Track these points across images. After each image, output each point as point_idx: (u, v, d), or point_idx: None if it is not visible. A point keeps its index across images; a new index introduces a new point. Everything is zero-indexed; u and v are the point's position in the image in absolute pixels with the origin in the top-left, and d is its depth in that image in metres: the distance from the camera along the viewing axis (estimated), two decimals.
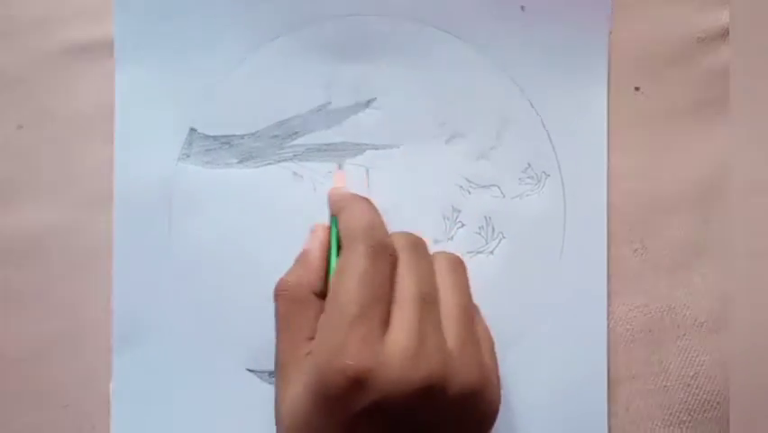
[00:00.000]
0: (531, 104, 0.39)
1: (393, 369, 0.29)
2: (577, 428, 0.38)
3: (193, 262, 0.39)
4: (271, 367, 0.38)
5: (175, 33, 0.39)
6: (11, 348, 0.38)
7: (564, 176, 0.39)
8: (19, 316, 0.38)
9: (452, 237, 0.39)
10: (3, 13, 0.39)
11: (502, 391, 0.33)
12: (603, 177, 0.40)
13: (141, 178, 0.39)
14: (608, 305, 0.39)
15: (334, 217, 0.36)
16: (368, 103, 0.39)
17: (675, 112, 0.40)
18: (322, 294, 0.33)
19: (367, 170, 0.39)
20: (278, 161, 0.39)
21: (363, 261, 0.31)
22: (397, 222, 0.38)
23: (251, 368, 0.39)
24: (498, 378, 0.33)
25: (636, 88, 0.40)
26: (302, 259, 0.35)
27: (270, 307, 0.38)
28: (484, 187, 0.39)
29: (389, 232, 0.34)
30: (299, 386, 0.30)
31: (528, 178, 0.39)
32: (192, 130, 0.39)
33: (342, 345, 0.29)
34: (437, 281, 0.33)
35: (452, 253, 0.34)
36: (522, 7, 0.39)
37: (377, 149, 0.39)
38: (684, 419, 0.39)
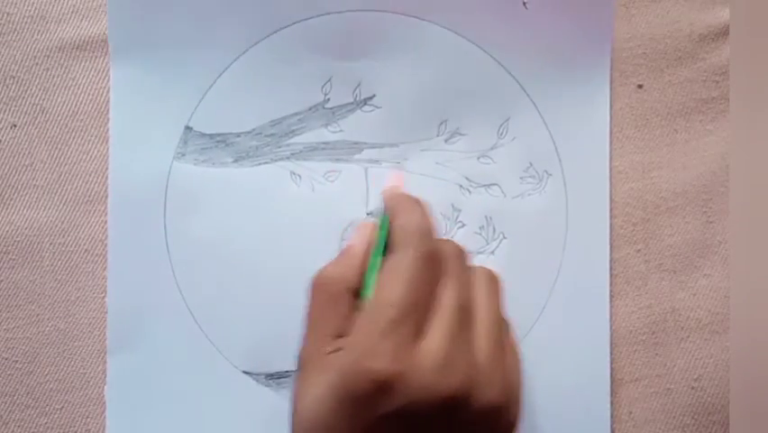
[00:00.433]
0: (533, 102, 0.39)
1: (421, 377, 0.29)
2: (580, 431, 0.38)
3: (188, 262, 0.38)
4: (267, 369, 0.38)
5: (170, 31, 0.38)
6: (4, 349, 0.38)
7: (566, 175, 0.39)
8: (12, 316, 0.38)
9: (452, 237, 0.39)
10: None
11: None
12: (605, 176, 0.39)
13: (136, 177, 0.38)
14: (611, 306, 0.39)
15: (385, 217, 0.35)
16: (366, 101, 0.39)
17: (679, 110, 0.40)
18: (356, 292, 0.33)
19: (365, 170, 0.39)
20: (275, 160, 0.39)
21: (413, 267, 0.31)
22: None
23: (247, 370, 0.38)
24: (521, 396, 0.33)
25: (639, 86, 0.40)
26: (345, 254, 0.34)
27: (268, 307, 0.38)
28: (485, 186, 0.39)
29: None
30: (323, 384, 0.30)
31: (530, 177, 0.39)
32: (187, 128, 0.39)
33: (375, 348, 0.29)
34: (473, 295, 0.32)
35: (490, 269, 0.34)
36: (524, 4, 0.39)
37: (375, 147, 0.39)
38: (688, 422, 0.39)
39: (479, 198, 0.39)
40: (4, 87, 0.39)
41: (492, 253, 0.39)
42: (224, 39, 0.38)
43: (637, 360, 0.39)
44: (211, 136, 0.39)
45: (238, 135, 0.39)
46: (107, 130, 0.39)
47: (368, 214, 0.39)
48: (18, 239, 0.39)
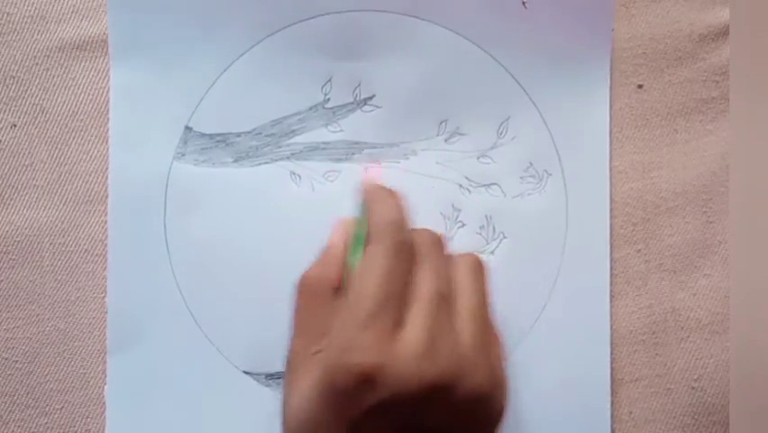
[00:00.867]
0: (533, 102, 0.39)
1: (403, 367, 0.28)
2: (580, 431, 0.38)
3: (188, 262, 0.38)
4: (268, 369, 0.38)
5: (170, 31, 0.38)
6: (4, 349, 0.38)
7: (566, 175, 0.39)
8: (12, 316, 0.38)
9: (451, 237, 0.39)
10: None
11: None
12: (605, 176, 0.39)
13: (137, 177, 0.38)
14: (611, 306, 0.39)
15: (363, 211, 0.35)
16: (366, 101, 0.39)
17: (679, 110, 0.40)
18: (340, 290, 0.33)
19: (366, 169, 0.39)
20: (275, 160, 0.39)
21: (383, 259, 0.31)
22: None
23: (247, 370, 0.38)
24: (506, 382, 0.32)
25: (639, 86, 0.40)
26: (324, 253, 0.35)
27: (268, 307, 0.38)
28: (485, 186, 0.39)
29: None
30: (308, 383, 0.30)
31: (530, 177, 0.39)
32: (187, 128, 0.39)
33: (354, 342, 0.29)
34: (456, 281, 0.32)
35: (474, 255, 0.34)
36: (524, 4, 0.39)
37: (375, 147, 0.39)
38: (688, 422, 0.39)
39: (479, 198, 0.39)
40: (5, 87, 0.39)
41: (492, 252, 0.39)
42: (225, 39, 0.38)
43: (637, 360, 0.39)
44: (211, 136, 0.39)
45: (238, 135, 0.39)
46: (107, 130, 0.39)
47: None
48: (18, 239, 0.38)
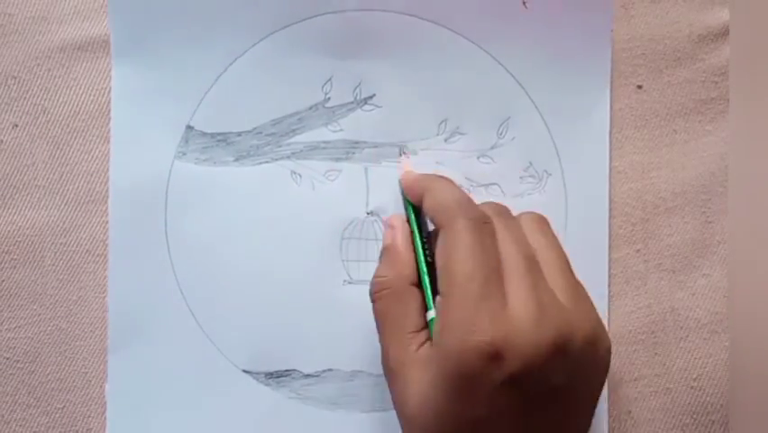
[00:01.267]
0: (533, 102, 0.39)
1: (524, 336, 0.29)
2: None
3: (189, 261, 0.38)
4: (267, 369, 0.38)
5: (171, 31, 0.38)
6: (5, 348, 0.38)
7: (566, 175, 0.39)
8: (14, 316, 0.38)
9: None
10: None
11: None
12: (605, 176, 0.39)
13: (137, 176, 0.38)
14: (610, 306, 0.39)
15: (409, 203, 0.36)
16: (367, 100, 0.39)
17: (678, 110, 0.40)
18: (415, 284, 0.33)
19: (366, 169, 0.39)
20: (276, 159, 0.39)
21: (468, 236, 0.31)
22: None
23: (247, 369, 0.38)
24: (602, 321, 0.33)
25: (639, 87, 0.40)
26: (390, 253, 0.35)
27: (268, 306, 0.38)
28: (485, 185, 0.39)
29: None
30: (426, 379, 0.30)
31: (530, 177, 0.39)
32: (188, 127, 0.39)
33: (472, 323, 0.29)
34: (531, 241, 0.33)
35: (535, 212, 0.35)
36: (524, 4, 0.39)
37: (376, 147, 0.39)
38: (687, 421, 0.39)
39: (479, 198, 0.38)
40: (6, 88, 0.39)
41: None
42: (225, 38, 0.38)
43: (636, 359, 0.39)
44: (212, 135, 0.39)
45: (239, 134, 0.39)
46: (108, 130, 0.39)
47: (368, 213, 0.39)
48: (19, 239, 0.38)
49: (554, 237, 0.34)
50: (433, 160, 0.39)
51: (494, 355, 0.28)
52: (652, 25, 0.40)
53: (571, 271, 0.33)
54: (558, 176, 0.39)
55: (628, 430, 0.39)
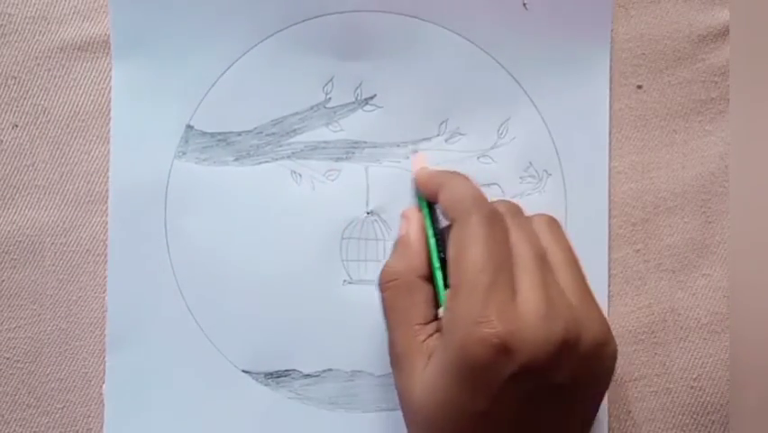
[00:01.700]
0: (533, 102, 0.39)
1: (533, 331, 0.29)
2: None
3: (188, 261, 0.38)
4: (267, 369, 0.38)
5: (171, 30, 0.38)
6: (5, 348, 0.38)
7: (566, 175, 0.39)
8: (14, 316, 0.38)
9: None
10: None
11: None
12: (605, 176, 0.39)
13: (137, 175, 0.38)
14: (610, 306, 0.39)
15: (422, 199, 0.36)
16: (367, 100, 0.39)
17: (678, 111, 0.40)
18: (425, 277, 0.34)
19: (366, 169, 0.39)
20: (276, 159, 0.39)
21: (482, 230, 0.31)
22: (395, 220, 0.38)
23: (246, 369, 0.38)
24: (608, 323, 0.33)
25: (638, 87, 0.40)
26: (402, 245, 0.35)
27: (268, 306, 0.38)
28: (485, 185, 0.39)
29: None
30: (432, 368, 0.30)
31: (529, 176, 0.39)
32: (189, 127, 0.39)
33: (481, 316, 0.29)
34: (542, 240, 0.33)
35: (547, 214, 0.35)
36: (524, 4, 0.39)
37: (376, 147, 0.39)
38: (687, 421, 0.39)
39: None
40: (6, 88, 0.39)
41: None
42: (227, 38, 0.38)
43: (636, 359, 0.39)
44: (212, 135, 0.39)
45: (239, 134, 0.39)
46: (108, 130, 0.39)
47: (368, 213, 0.39)
48: (20, 239, 0.38)
49: (566, 240, 0.34)
50: (433, 160, 0.39)
51: (501, 348, 0.28)
52: (652, 25, 0.40)
53: (582, 274, 0.33)
54: (558, 176, 0.39)
55: (628, 430, 0.39)
